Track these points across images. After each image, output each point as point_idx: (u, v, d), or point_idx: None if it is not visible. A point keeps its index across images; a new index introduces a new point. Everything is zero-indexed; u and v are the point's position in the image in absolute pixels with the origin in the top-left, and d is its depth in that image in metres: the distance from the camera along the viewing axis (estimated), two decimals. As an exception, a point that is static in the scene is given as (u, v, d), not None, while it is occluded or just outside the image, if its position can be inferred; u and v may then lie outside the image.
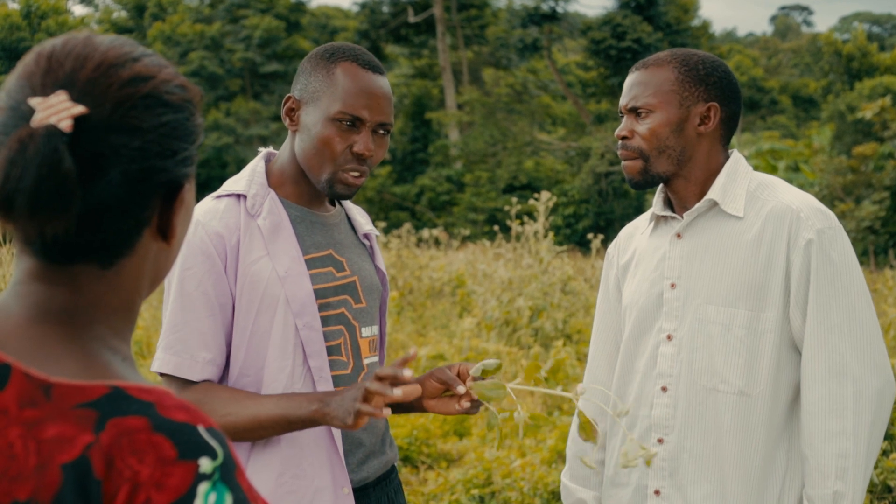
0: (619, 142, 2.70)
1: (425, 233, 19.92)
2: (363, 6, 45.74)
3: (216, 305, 2.47)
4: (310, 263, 2.55)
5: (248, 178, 2.59)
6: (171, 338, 2.46)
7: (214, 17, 46.90)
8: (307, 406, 2.32)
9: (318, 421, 2.31)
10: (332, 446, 2.51)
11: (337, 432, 2.51)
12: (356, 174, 2.53)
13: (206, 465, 1.08)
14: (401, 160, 40.97)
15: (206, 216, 2.51)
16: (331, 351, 2.53)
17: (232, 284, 2.48)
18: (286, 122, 2.61)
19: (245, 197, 2.55)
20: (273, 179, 2.62)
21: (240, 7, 46.73)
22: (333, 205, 2.74)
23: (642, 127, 2.65)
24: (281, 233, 2.53)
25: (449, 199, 36.75)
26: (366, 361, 2.62)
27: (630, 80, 2.71)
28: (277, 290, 2.48)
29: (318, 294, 2.53)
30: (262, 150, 2.70)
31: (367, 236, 2.81)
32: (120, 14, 50.98)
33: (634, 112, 2.67)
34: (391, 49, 46.49)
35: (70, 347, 1.17)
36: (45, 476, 1.07)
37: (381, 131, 2.56)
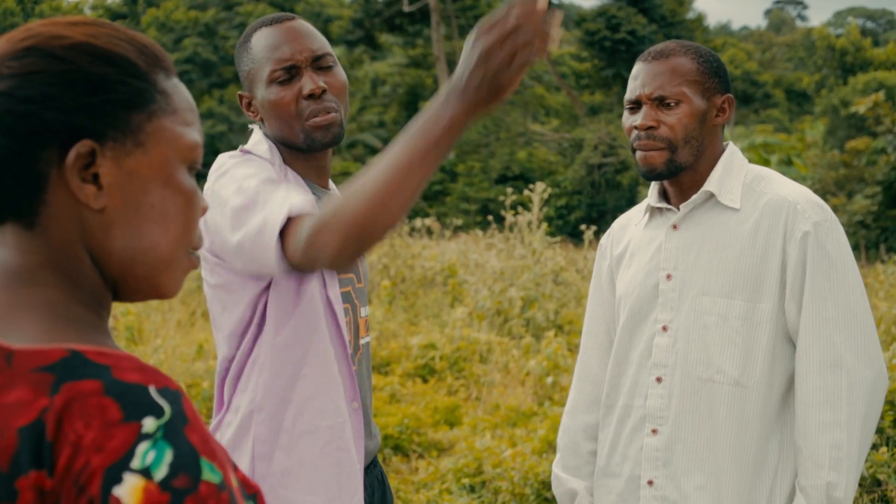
0: (641, 132, 2.63)
1: (417, 222, 19.89)
2: (358, -6, 45.68)
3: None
4: None
5: (269, 147, 2.53)
6: (280, 194, 2.29)
7: (209, 4, 46.79)
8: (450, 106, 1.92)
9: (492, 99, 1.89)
10: (359, 418, 2.50)
11: (360, 405, 2.50)
12: (324, 113, 2.48)
13: (149, 424, 1.06)
14: (393, 149, 40.91)
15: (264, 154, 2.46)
16: None
17: None
18: (249, 116, 2.60)
19: (273, 165, 2.50)
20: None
21: (234, -6, 46.65)
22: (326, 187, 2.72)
23: (671, 117, 2.61)
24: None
25: (441, 189, 36.71)
26: (362, 342, 2.61)
27: (648, 69, 2.66)
28: None
29: None
30: (255, 127, 2.63)
31: None
32: (114, 0, 50.81)
33: (660, 101, 2.62)
34: (385, 38, 46.42)
35: (30, 314, 1.17)
36: (3, 440, 1.07)
37: (323, 65, 2.52)
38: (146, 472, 1.04)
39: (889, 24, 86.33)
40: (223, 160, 2.46)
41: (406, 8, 42.92)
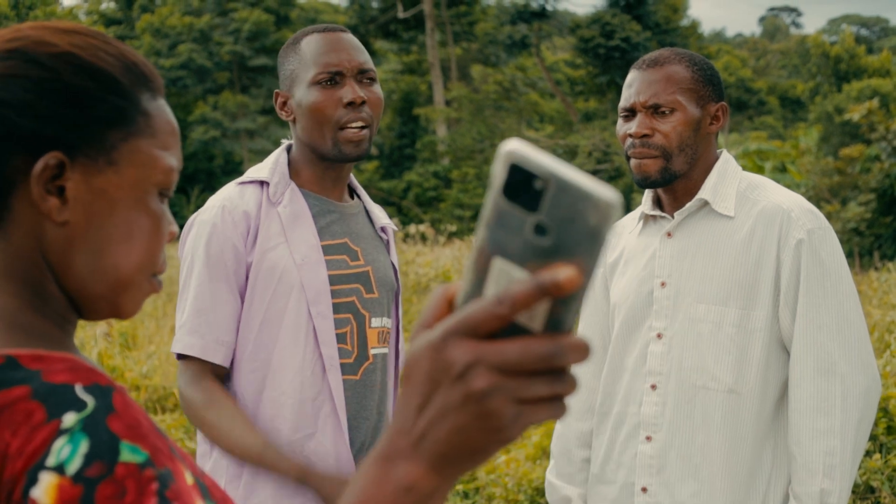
0: (636, 140, 2.63)
1: (412, 228, 19.93)
2: (352, 1, 45.68)
3: (236, 290, 2.51)
4: (324, 250, 2.57)
5: (272, 166, 2.62)
6: (196, 321, 2.50)
7: (203, 10, 46.78)
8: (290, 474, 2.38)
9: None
10: (339, 431, 2.53)
11: (343, 419, 2.53)
12: (358, 125, 2.55)
13: (69, 420, 1.03)
14: (388, 155, 40.95)
15: (230, 201, 2.55)
16: (336, 339, 2.55)
17: (249, 263, 2.52)
18: (283, 116, 2.65)
19: (268, 184, 2.58)
20: (293, 170, 2.65)
21: (229, 0, 46.63)
22: (352, 197, 2.76)
23: (666, 125, 2.61)
24: (300, 221, 2.55)
25: (436, 195, 36.73)
26: (372, 352, 2.63)
27: (643, 77, 2.65)
28: (293, 276, 2.50)
29: (330, 281, 2.55)
30: (284, 142, 2.72)
31: (384, 230, 2.81)
32: (109, 5, 50.78)
33: (654, 109, 2.62)
34: (380, 44, 46.44)
35: None
36: None
37: (366, 79, 2.59)
38: (60, 468, 1.01)
39: (883, 32, 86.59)
40: (205, 211, 2.59)
41: (401, 14, 42.97)
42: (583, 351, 0.80)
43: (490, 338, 0.81)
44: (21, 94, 1.15)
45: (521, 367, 0.79)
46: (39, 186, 1.15)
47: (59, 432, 1.03)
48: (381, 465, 0.85)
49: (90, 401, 1.06)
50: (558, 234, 0.79)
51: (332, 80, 2.55)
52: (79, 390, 1.06)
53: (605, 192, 0.77)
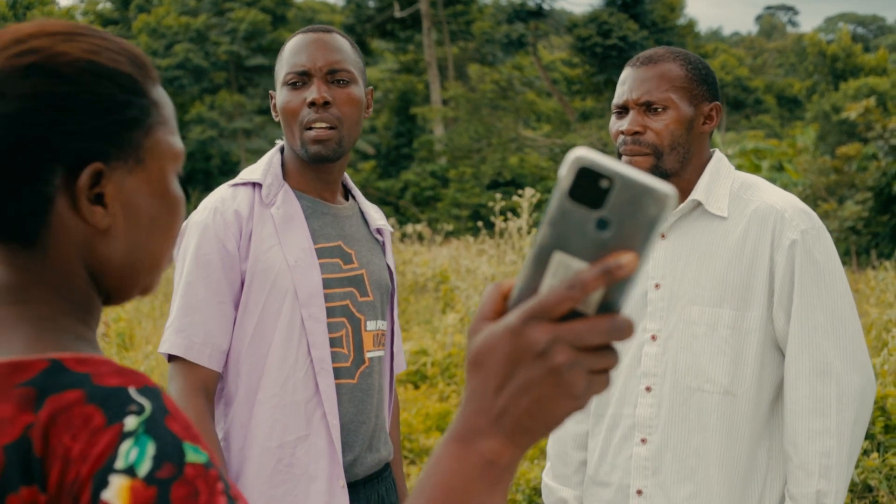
0: (627, 138, 2.62)
1: (409, 228, 19.89)
2: (349, 0, 45.65)
3: (227, 291, 2.50)
4: (318, 253, 2.56)
5: (265, 168, 2.61)
6: (183, 321, 2.48)
7: (200, 10, 46.72)
8: None
9: None
10: (329, 439, 2.52)
11: (334, 422, 2.52)
12: (320, 125, 2.53)
13: (130, 423, 1.05)
14: (385, 155, 40.94)
15: (223, 203, 2.54)
16: (331, 343, 2.54)
17: (243, 269, 2.50)
18: (274, 117, 2.65)
19: (261, 186, 2.57)
20: (285, 171, 2.64)
21: (225, 0, 46.59)
22: (347, 198, 2.75)
23: (658, 123, 2.59)
24: (293, 223, 2.54)
25: (433, 195, 36.69)
26: (368, 355, 2.63)
27: (636, 74, 2.64)
28: (286, 279, 2.49)
29: (323, 284, 2.54)
30: (279, 142, 2.71)
31: (380, 231, 2.80)
32: (105, 5, 50.74)
33: (647, 107, 2.61)
34: (377, 44, 46.43)
35: (17, 328, 1.16)
36: None
37: (337, 80, 2.57)
38: (130, 471, 1.03)
39: (880, 30, 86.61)
40: (198, 212, 2.58)
41: (397, 14, 42.95)
42: (630, 328, 0.90)
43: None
44: (50, 112, 1.15)
45: (590, 342, 0.90)
46: (83, 198, 1.17)
47: (124, 435, 1.04)
48: (460, 444, 0.94)
49: (146, 403, 1.08)
50: (619, 227, 0.89)
51: (300, 80, 2.55)
52: (133, 393, 1.08)
53: (663, 186, 0.88)
